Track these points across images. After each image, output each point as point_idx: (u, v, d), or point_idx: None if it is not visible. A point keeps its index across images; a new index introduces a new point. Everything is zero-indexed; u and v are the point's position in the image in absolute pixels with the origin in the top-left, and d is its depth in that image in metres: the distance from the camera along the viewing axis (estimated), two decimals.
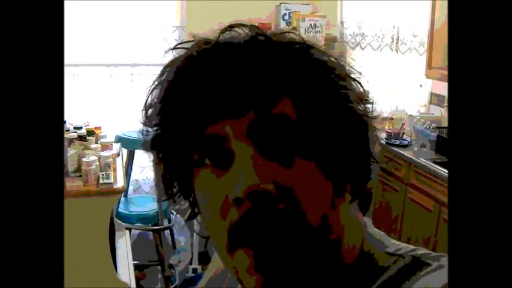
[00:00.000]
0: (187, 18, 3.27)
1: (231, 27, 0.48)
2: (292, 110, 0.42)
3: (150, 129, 0.49)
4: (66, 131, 2.58)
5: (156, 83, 0.48)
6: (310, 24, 3.17)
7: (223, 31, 0.47)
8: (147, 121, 0.49)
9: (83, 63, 3.20)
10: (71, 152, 2.43)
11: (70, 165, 2.40)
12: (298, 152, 0.43)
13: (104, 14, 3.15)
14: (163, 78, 0.48)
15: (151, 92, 0.48)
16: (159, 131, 0.48)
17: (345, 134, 0.45)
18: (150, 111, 0.48)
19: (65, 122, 2.63)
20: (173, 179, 0.50)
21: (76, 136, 2.59)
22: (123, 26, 3.20)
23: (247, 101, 0.41)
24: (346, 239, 0.49)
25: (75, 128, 2.66)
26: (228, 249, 0.44)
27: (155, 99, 0.48)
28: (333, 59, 0.47)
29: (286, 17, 3.26)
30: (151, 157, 0.50)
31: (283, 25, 3.25)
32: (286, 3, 3.27)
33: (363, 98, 0.49)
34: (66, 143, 2.46)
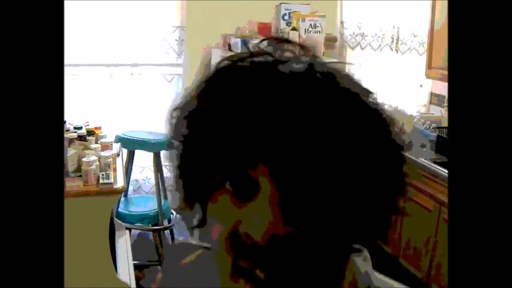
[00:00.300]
0: (187, 18, 3.27)
1: (279, 41, 0.46)
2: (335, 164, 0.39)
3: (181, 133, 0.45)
4: (66, 131, 2.58)
5: (205, 91, 0.45)
6: (310, 24, 3.17)
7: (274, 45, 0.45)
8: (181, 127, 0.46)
9: (83, 63, 3.19)
10: (71, 152, 2.43)
11: (70, 165, 2.40)
12: (326, 201, 0.41)
13: (104, 14, 3.15)
14: (208, 95, 0.44)
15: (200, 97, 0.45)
16: (190, 143, 0.45)
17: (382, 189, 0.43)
18: (191, 126, 0.45)
19: (65, 122, 2.62)
20: (193, 197, 0.48)
21: (76, 136, 2.59)
22: (123, 26, 3.20)
23: (296, 151, 0.39)
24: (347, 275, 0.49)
25: (75, 128, 2.66)
26: (231, 277, 0.44)
27: (201, 108, 0.44)
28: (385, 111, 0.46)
29: (286, 17, 3.26)
30: (171, 161, 0.47)
31: (283, 25, 3.25)
32: (286, 3, 3.27)
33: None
34: (66, 143, 2.46)
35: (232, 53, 0.46)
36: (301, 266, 0.41)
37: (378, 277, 0.53)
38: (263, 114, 0.39)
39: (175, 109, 0.46)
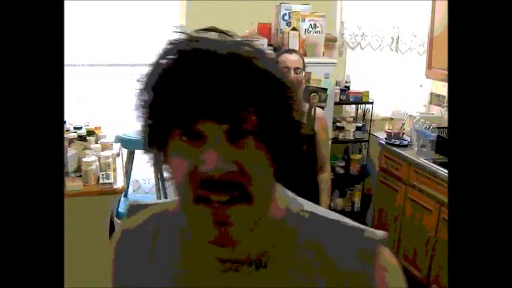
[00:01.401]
0: (187, 18, 3.27)
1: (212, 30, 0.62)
2: (254, 116, 0.57)
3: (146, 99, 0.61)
4: (66, 131, 2.58)
5: (155, 69, 0.60)
6: (310, 25, 3.17)
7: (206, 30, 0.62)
8: (145, 97, 0.61)
9: (83, 63, 3.20)
10: (71, 152, 2.43)
11: (70, 166, 2.40)
12: (254, 142, 0.58)
13: (104, 14, 3.15)
14: (157, 69, 0.60)
15: (152, 75, 0.60)
16: (156, 107, 0.60)
17: (286, 134, 0.62)
18: (147, 93, 0.60)
19: (65, 122, 2.62)
20: (156, 142, 0.64)
21: (76, 136, 2.59)
22: (123, 26, 3.20)
23: (224, 110, 0.56)
24: (278, 201, 0.68)
25: (75, 128, 2.66)
26: (193, 202, 0.58)
27: (154, 83, 0.60)
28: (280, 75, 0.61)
29: (286, 17, 3.26)
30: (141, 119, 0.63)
31: (283, 25, 3.25)
32: (286, 3, 3.27)
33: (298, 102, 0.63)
34: (66, 143, 2.46)
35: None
36: (243, 190, 0.58)
37: (304, 201, 0.72)
38: (203, 86, 0.56)
39: (138, 80, 0.61)
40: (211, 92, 0.56)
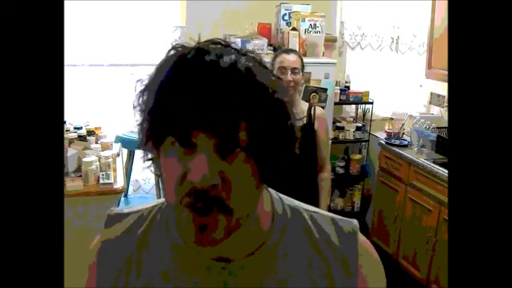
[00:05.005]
0: (187, 18, 3.27)
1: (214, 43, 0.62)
2: (245, 132, 0.58)
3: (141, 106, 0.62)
4: (66, 131, 2.58)
5: (151, 77, 0.61)
6: (310, 25, 3.17)
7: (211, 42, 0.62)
8: (142, 104, 0.62)
9: (83, 63, 3.20)
10: (71, 152, 2.43)
11: (70, 166, 2.40)
12: (244, 156, 0.59)
13: (104, 14, 3.15)
14: (159, 75, 0.60)
15: (150, 81, 0.61)
16: (151, 112, 0.61)
17: (279, 144, 0.62)
18: (146, 95, 0.62)
19: (65, 122, 2.62)
20: (150, 146, 0.65)
21: (76, 136, 2.59)
22: (123, 26, 3.20)
23: (215, 124, 0.57)
24: (265, 206, 0.71)
25: (75, 128, 2.66)
26: (179, 205, 0.60)
27: (150, 91, 0.61)
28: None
29: (286, 17, 3.26)
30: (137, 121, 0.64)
31: (283, 25, 3.25)
32: (286, 3, 3.27)
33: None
34: (66, 143, 2.46)
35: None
36: (224, 204, 0.59)
37: (283, 196, 0.75)
38: (199, 98, 0.56)
39: (138, 80, 0.63)
40: (205, 105, 0.56)
